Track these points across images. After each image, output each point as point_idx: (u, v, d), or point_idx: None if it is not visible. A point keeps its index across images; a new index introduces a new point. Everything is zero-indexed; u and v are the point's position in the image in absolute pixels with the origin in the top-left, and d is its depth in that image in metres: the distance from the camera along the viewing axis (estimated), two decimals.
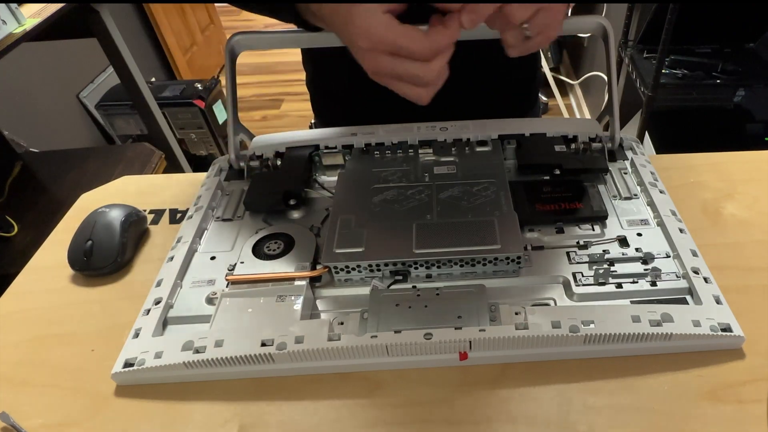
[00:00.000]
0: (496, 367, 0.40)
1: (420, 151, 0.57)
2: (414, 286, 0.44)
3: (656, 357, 0.40)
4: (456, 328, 0.39)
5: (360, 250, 0.45)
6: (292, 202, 0.53)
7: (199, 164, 1.91)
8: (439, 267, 0.45)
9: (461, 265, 0.45)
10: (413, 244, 0.45)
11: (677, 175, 0.57)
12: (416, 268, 0.45)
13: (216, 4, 2.87)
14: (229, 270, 0.47)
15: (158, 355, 0.40)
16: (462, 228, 0.46)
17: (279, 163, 0.57)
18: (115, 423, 0.39)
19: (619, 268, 0.44)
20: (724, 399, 0.37)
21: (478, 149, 0.56)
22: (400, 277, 0.45)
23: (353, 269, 0.45)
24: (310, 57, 0.67)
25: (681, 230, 0.47)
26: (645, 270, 0.44)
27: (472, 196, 0.50)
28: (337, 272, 0.45)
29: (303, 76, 0.70)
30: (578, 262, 0.45)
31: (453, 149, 0.56)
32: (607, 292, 0.43)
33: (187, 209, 0.55)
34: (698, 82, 1.39)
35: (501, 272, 0.45)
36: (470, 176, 0.52)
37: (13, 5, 1.08)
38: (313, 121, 0.77)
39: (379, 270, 0.45)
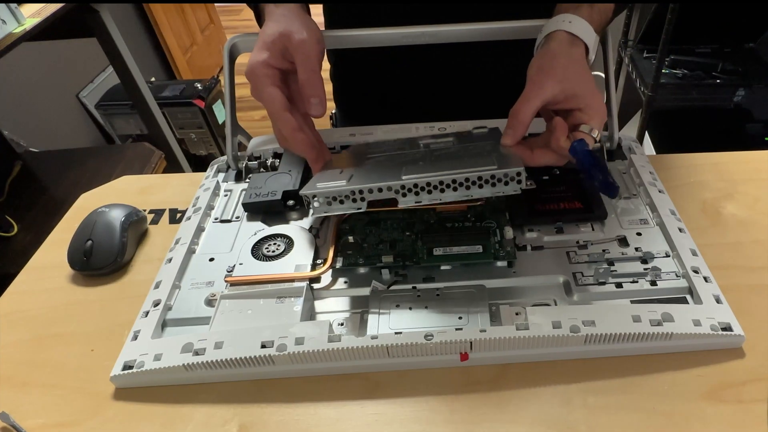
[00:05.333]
0: (496, 367, 0.40)
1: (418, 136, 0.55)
2: (414, 287, 0.44)
3: (656, 357, 0.40)
4: (456, 329, 0.39)
5: (342, 182, 0.43)
6: (290, 203, 0.53)
7: (199, 164, 1.91)
8: (429, 192, 0.41)
9: (454, 189, 0.41)
10: (401, 173, 0.42)
11: (677, 175, 0.57)
12: (404, 195, 0.41)
13: (216, 4, 2.86)
14: (228, 271, 0.47)
15: (157, 358, 0.40)
16: (455, 159, 0.44)
17: (277, 163, 0.57)
18: (115, 423, 0.39)
19: (619, 267, 0.44)
20: (724, 399, 0.37)
21: (476, 131, 0.53)
22: (400, 278, 0.45)
23: (334, 198, 0.42)
24: (334, 50, 0.68)
25: (680, 230, 0.47)
26: (645, 269, 0.44)
27: (467, 149, 0.48)
28: (317, 202, 0.42)
29: None
30: (578, 262, 0.45)
31: (450, 138, 0.54)
32: (607, 292, 0.43)
33: (187, 209, 0.55)
34: (698, 82, 1.39)
35: (503, 266, 0.45)
36: (466, 143, 0.50)
37: (13, 5, 1.08)
38: (333, 112, 0.77)
39: (362, 199, 0.42)
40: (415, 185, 0.41)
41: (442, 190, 0.41)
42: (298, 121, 0.45)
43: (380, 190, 0.41)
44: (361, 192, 0.41)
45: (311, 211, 0.43)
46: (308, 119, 0.50)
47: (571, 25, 0.45)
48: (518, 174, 0.40)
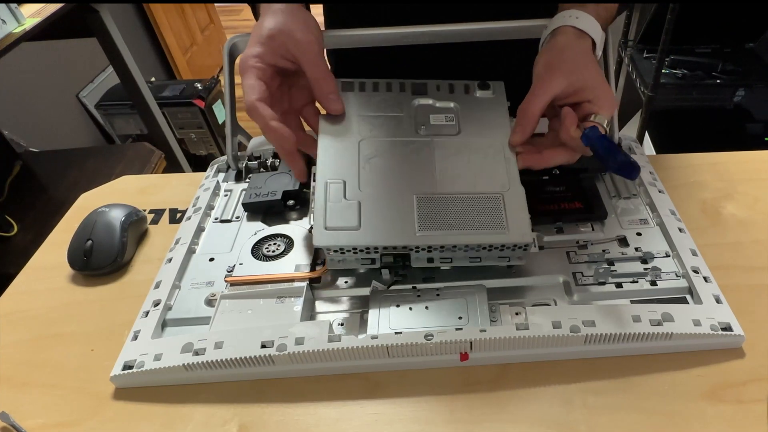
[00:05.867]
0: (496, 367, 0.40)
1: (414, 92, 0.50)
2: (414, 287, 0.44)
3: (656, 357, 0.40)
4: (456, 329, 0.39)
5: (354, 226, 0.41)
6: (290, 203, 0.53)
7: (199, 164, 1.91)
8: (442, 252, 0.42)
9: (465, 250, 0.42)
10: (415, 225, 0.41)
11: (677, 175, 0.57)
12: (417, 252, 0.42)
13: (216, 4, 2.86)
14: (228, 271, 0.47)
15: (157, 358, 0.40)
16: (466, 204, 0.42)
17: (277, 163, 0.57)
18: (115, 423, 0.39)
19: (619, 267, 0.44)
20: (724, 399, 0.37)
21: (479, 93, 0.50)
22: (400, 278, 0.45)
23: (348, 251, 0.41)
24: (334, 50, 0.68)
25: (680, 230, 0.47)
26: (645, 269, 0.44)
27: (476, 159, 0.45)
28: (329, 254, 0.42)
29: None
30: (578, 262, 0.45)
31: (451, 91, 0.50)
32: (607, 292, 0.43)
33: (187, 209, 0.55)
34: (698, 82, 1.39)
35: (503, 266, 0.45)
36: (471, 130, 0.47)
37: (13, 5, 1.08)
38: None
39: (377, 252, 0.42)
40: (430, 246, 0.41)
41: (454, 251, 0.42)
42: (273, 113, 0.42)
43: (395, 248, 0.42)
44: (376, 249, 0.42)
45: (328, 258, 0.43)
46: (296, 120, 0.48)
47: (578, 20, 0.45)
48: (526, 246, 0.42)
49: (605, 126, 0.42)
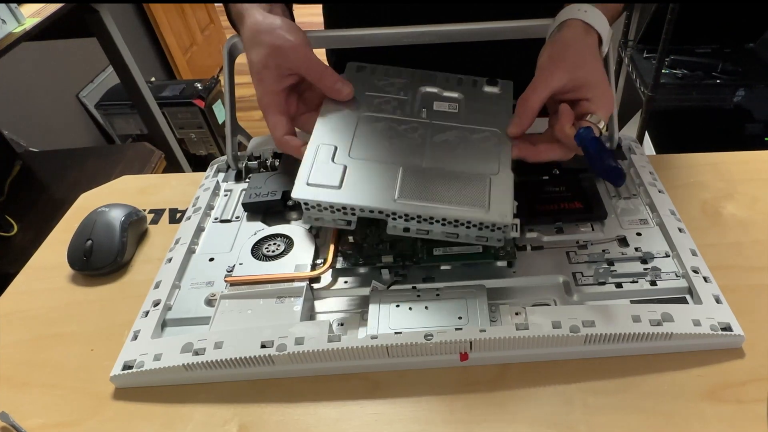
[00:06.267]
0: (496, 367, 0.40)
1: (422, 81, 0.51)
2: (414, 287, 0.44)
3: (656, 357, 0.40)
4: (456, 329, 0.39)
5: (336, 185, 0.42)
6: (290, 203, 0.53)
7: (199, 164, 1.91)
8: (419, 222, 0.42)
9: (443, 224, 0.42)
10: (396, 191, 0.41)
11: (677, 175, 0.57)
12: (394, 219, 0.42)
13: (216, 4, 2.86)
14: (228, 271, 0.47)
15: (157, 357, 0.40)
16: (451, 180, 0.42)
17: (277, 163, 0.57)
18: (115, 423, 0.39)
19: (619, 267, 0.44)
20: (724, 399, 0.37)
21: (487, 89, 0.51)
22: (400, 278, 0.45)
23: (325, 209, 0.42)
24: (334, 50, 0.68)
25: (680, 230, 0.47)
26: (645, 269, 0.44)
27: (470, 143, 0.46)
28: (307, 209, 0.42)
29: None
30: (578, 262, 0.45)
31: (458, 84, 0.52)
32: (607, 292, 0.43)
33: (187, 209, 0.55)
34: (698, 82, 1.39)
35: (497, 266, 0.45)
36: (472, 120, 0.48)
37: (13, 5, 1.08)
38: None
39: (353, 214, 0.42)
40: (407, 214, 0.41)
41: (431, 223, 0.42)
42: (300, 141, 0.46)
43: (371, 211, 0.41)
44: (353, 210, 0.41)
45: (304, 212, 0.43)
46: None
47: (587, 14, 0.45)
48: (505, 227, 0.41)
49: (600, 127, 0.42)
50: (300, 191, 0.41)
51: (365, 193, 0.41)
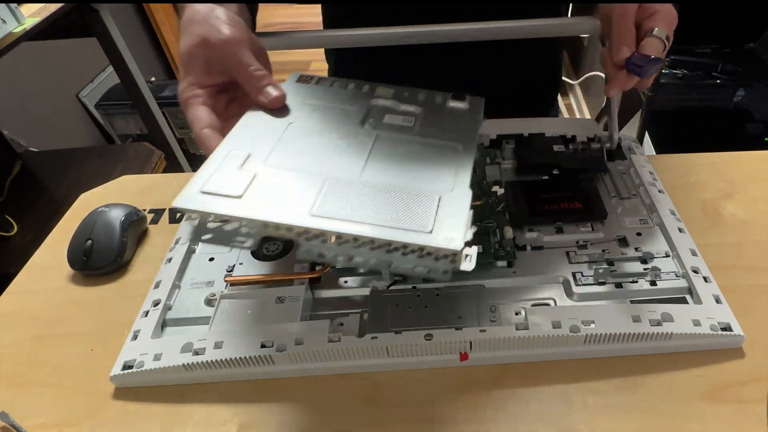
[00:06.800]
0: (496, 367, 0.40)
1: (375, 93, 0.43)
2: (414, 287, 0.44)
3: (656, 357, 0.40)
4: (456, 329, 0.39)
5: (237, 195, 0.32)
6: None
7: (199, 164, 1.87)
8: (339, 243, 0.31)
9: (371, 248, 0.31)
10: (313, 205, 0.32)
11: (677, 175, 0.57)
12: (308, 240, 0.31)
13: None
14: (227, 271, 0.47)
15: (157, 357, 0.40)
16: (390, 196, 0.33)
17: None
18: (115, 423, 0.39)
19: (619, 267, 0.44)
20: (724, 399, 0.37)
21: (452, 104, 0.44)
22: (400, 278, 0.45)
23: (218, 223, 0.32)
24: (334, 50, 0.67)
25: (680, 230, 0.47)
26: (645, 269, 0.44)
27: (421, 157, 0.37)
28: (191, 221, 0.32)
29: None
30: (578, 262, 0.45)
31: (419, 97, 0.44)
32: (607, 292, 0.43)
33: None
34: (698, 82, 1.39)
35: (497, 267, 0.45)
36: (429, 133, 0.40)
37: (13, 5, 1.08)
38: None
39: (252, 230, 0.32)
40: (323, 233, 0.31)
41: (357, 247, 0.31)
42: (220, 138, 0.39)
43: (277, 227, 0.31)
44: (252, 225, 0.31)
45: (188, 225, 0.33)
46: None
47: None
48: (454, 255, 0.30)
49: (666, 41, 0.42)
50: (186, 199, 0.32)
51: (272, 206, 0.32)
